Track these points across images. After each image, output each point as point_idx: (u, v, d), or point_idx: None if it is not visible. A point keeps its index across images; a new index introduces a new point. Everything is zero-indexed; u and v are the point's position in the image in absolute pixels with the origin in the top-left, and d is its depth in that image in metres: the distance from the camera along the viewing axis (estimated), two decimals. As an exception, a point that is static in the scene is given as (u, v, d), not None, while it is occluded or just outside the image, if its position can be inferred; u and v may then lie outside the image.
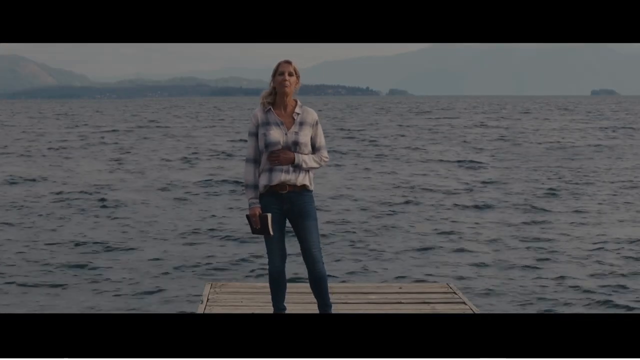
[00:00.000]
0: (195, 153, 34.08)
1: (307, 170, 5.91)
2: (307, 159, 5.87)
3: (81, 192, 21.02)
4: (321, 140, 5.97)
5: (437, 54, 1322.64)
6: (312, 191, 5.98)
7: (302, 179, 5.89)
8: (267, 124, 5.86)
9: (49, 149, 37.12)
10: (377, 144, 39.03)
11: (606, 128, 53.77)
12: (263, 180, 5.88)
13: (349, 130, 52.58)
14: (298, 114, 5.90)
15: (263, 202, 5.89)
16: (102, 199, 19.54)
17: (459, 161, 29.98)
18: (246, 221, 6.23)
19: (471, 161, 29.95)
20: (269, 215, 5.82)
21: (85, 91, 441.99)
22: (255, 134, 5.91)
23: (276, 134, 5.82)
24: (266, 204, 5.88)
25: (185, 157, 31.90)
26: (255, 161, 5.92)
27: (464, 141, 41.33)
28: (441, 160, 30.39)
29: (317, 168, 5.96)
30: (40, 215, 17.22)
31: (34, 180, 23.91)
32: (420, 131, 51.63)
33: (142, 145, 39.55)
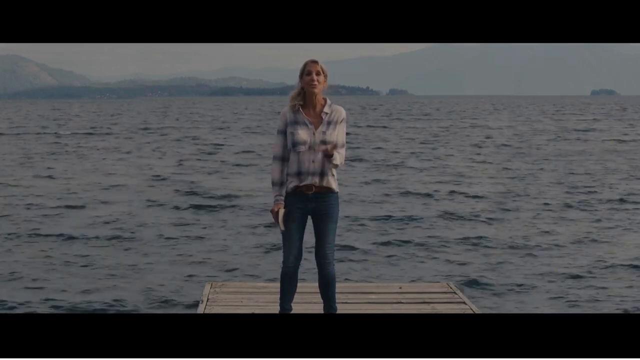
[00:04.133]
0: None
1: (333, 174, 5.92)
2: (338, 157, 5.81)
3: (82, 191, 21.04)
4: (342, 138, 5.94)
5: (437, 54, 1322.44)
6: (337, 193, 5.99)
7: (327, 181, 5.90)
8: (295, 123, 5.85)
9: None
10: (382, 146, 39.04)
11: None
12: (291, 182, 5.89)
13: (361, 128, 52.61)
14: (327, 113, 5.88)
15: (288, 200, 5.90)
16: (102, 198, 19.57)
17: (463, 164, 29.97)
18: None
19: (474, 161, 29.97)
20: (281, 211, 5.85)
21: (85, 91, 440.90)
22: (283, 132, 5.90)
23: (304, 134, 5.81)
24: (291, 203, 5.89)
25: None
26: (283, 159, 5.91)
27: (475, 144, 41.35)
28: (443, 162, 30.41)
29: (337, 167, 5.91)
30: (42, 210, 17.23)
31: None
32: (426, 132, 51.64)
33: (142, 145, 39.59)
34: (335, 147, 5.79)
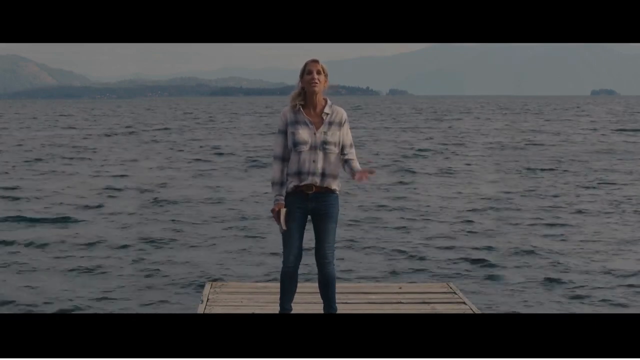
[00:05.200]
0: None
1: (336, 175, 5.94)
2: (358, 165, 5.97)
3: (82, 197, 21.05)
4: (349, 139, 5.96)
5: (437, 54, 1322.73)
6: (337, 193, 6.00)
7: (327, 181, 5.92)
8: (296, 123, 5.87)
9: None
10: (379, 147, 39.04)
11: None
12: (291, 182, 5.90)
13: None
14: (327, 113, 5.89)
15: (288, 200, 5.91)
16: (102, 198, 19.58)
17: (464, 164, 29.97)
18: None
19: (477, 161, 29.98)
20: (282, 211, 5.86)
21: (85, 91, 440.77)
22: (284, 132, 5.92)
23: (304, 134, 5.83)
24: (291, 203, 5.90)
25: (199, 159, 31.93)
26: (283, 159, 5.93)
27: (476, 143, 41.35)
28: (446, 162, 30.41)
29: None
30: (42, 211, 17.24)
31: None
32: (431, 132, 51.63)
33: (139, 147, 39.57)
34: (372, 172, 5.87)
